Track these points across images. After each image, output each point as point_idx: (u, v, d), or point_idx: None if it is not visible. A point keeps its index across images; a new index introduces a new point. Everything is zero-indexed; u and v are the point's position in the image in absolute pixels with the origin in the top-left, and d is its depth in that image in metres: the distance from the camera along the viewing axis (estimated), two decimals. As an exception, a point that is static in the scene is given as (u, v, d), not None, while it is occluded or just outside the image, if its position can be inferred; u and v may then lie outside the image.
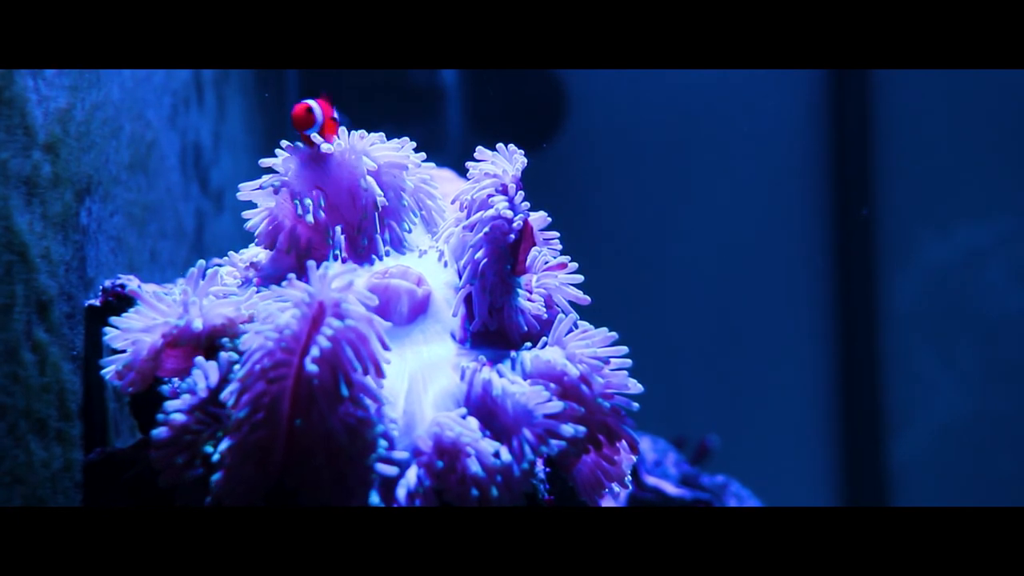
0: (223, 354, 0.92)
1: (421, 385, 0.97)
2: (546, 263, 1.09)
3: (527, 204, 1.04)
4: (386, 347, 0.89)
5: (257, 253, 1.10)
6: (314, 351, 0.85)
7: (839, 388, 2.81)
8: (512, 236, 1.02)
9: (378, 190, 1.09)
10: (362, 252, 1.08)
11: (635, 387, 0.98)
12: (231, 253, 1.11)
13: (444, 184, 1.24)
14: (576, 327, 1.01)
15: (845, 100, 2.76)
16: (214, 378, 0.90)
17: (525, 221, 1.04)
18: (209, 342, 0.95)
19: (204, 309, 0.95)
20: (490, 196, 1.04)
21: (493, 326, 1.03)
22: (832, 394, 2.81)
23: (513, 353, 1.00)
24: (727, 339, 2.80)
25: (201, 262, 1.02)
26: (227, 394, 0.87)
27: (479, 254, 1.03)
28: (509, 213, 1.02)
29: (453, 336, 1.04)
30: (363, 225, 1.08)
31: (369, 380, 0.87)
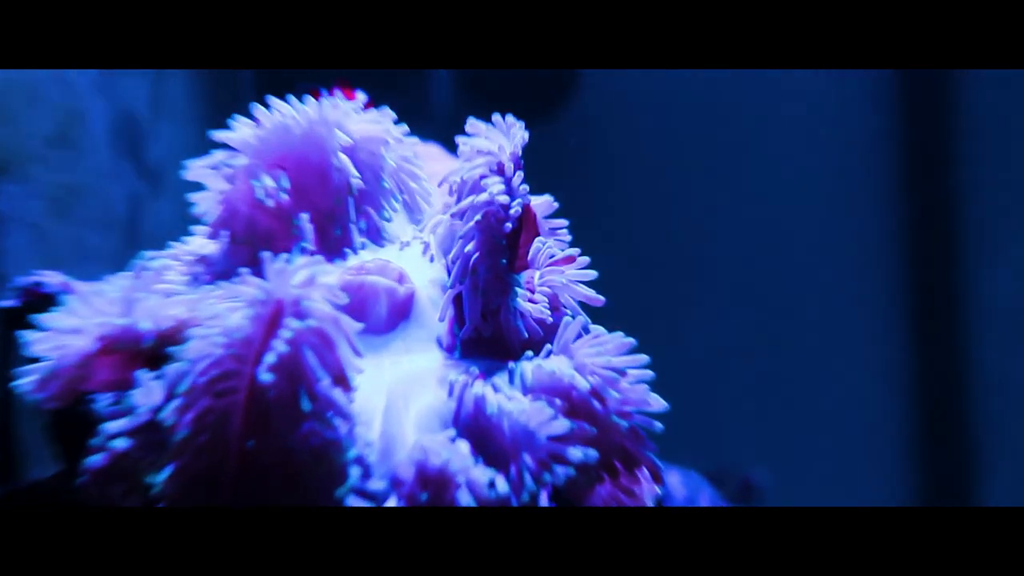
0: (171, 366, 0.91)
1: (402, 402, 0.98)
2: (551, 257, 1.11)
3: (527, 187, 1.06)
4: (358, 354, 0.90)
5: (206, 245, 1.10)
6: (269, 358, 0.85)
7: (919, 407, 2.77)
8: (509, 225, 1.03)
9: (353, 170, 1.10)
10: (333, 244, 1.10)
11: (658, 404, 0.99)
12: (175, 245, 1.12)
13: (430, 163, 1.25)
14: (587, 332, 1.03)
15: (923, 93, 2.81)
16: (159, 395, 0.90)
17: (526, 207, 1.05)
18: (153, 350, 0.95)
19: (151, 309, 0.95)
20: (483, 177, 1.04)
21: (487, 332, 1.05)
22: (912, 415, 2.77)
23: (511, 364, 1.02)
24: (778, 348, 2.75)
25: (146, 254, 1.04)
26: (168, 412, 0.88)
27: (470, 246, 1.04)
28: (505, 198, 1.03)
29: (440, 344, 1.06)
30: (335, 212, 1.09)
31: (337, 394, 0.88)
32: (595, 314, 1.10)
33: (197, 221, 1.10)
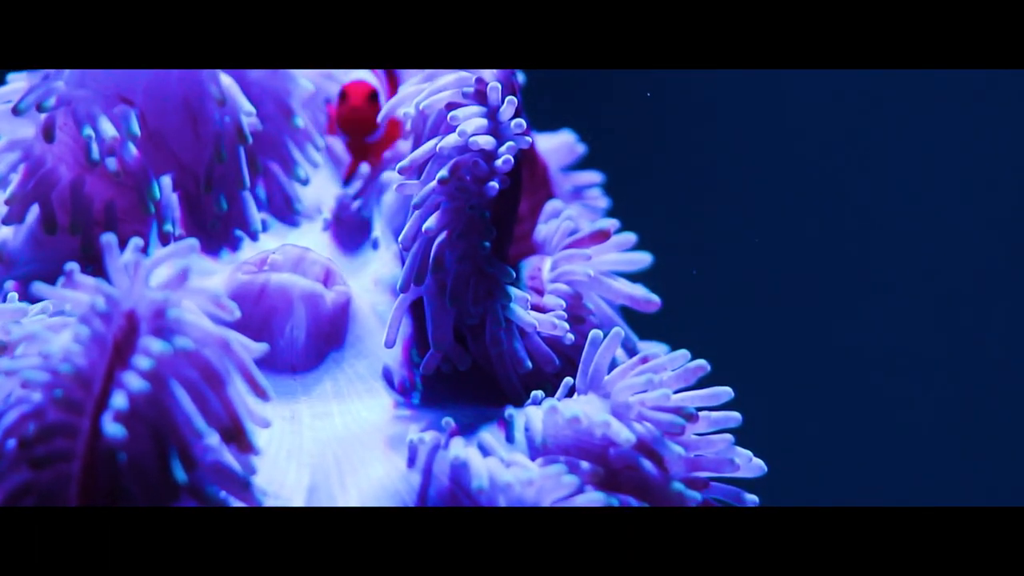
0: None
1: (335, 476, 0.96)
2: (572, 234, 1.08)
3: (523, 122, 1.01)
4: (264, 396, 0.87)
5: (3, 233, 1.09)
6: (118, 401, 0.81)
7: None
8: (496, 185, 0.99)
9: (245, 102, 1.09)
10: (216, 224, 1.09)
11: (749, 465, 0.96)
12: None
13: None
14: (630, 355, 1.01)
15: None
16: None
17: (526, 152, 1.03)
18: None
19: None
20: (452, 107, 1.01)
21: (464, 361, 1.04)
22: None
23: (508, 410, 1.01)
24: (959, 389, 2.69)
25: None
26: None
27: (431, 222, 1.01)
28: (489, 140, 1.00)
29: (389, 382, 1.04)
30: (216, 173, 1.08)
31: (228, 458, 0.84)
32: (645, 325, 1.07)
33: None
